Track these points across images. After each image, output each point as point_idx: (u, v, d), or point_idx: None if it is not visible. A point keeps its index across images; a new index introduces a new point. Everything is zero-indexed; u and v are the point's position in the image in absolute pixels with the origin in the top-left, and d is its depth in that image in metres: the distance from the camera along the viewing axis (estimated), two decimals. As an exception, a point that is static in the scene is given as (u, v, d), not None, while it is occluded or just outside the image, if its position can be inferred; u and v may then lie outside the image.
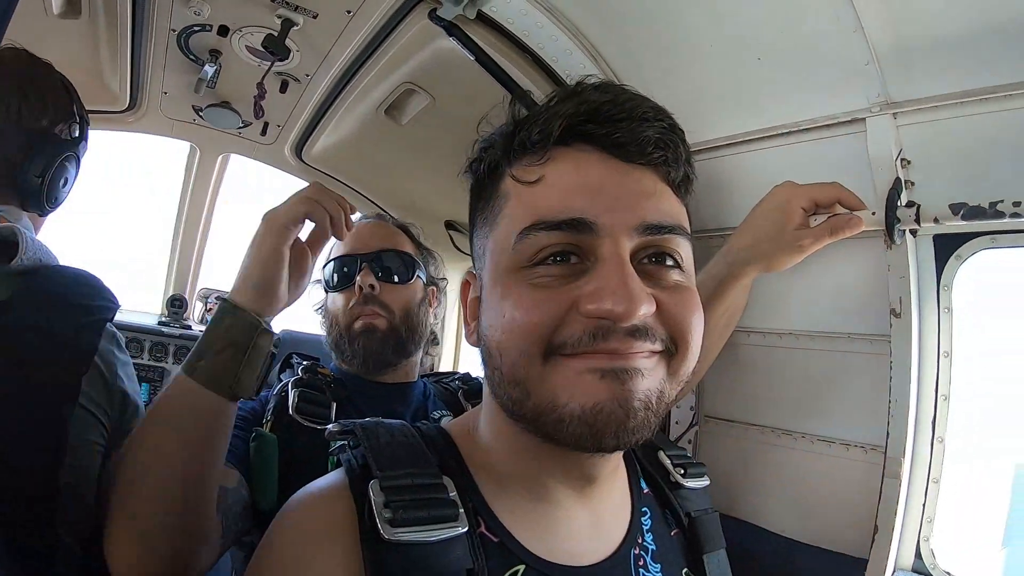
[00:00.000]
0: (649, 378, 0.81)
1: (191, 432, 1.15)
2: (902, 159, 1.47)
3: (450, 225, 3.19)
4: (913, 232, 1.48)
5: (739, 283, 1.56)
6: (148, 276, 4.58)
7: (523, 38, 1.89)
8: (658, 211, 0.85)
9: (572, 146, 0.87)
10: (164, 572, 1.11)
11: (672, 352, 0.84)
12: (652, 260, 0.85)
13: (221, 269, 4.55)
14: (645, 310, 0.79)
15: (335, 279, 1.79)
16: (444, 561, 0.80)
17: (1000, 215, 1.31)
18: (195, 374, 1.17)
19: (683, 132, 0.91)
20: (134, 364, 1.49)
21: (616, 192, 0.84)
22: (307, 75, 2.75)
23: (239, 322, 1.21)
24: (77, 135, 1.47)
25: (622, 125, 0.85)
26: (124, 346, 1.41)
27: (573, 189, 0.84)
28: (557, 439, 0.82)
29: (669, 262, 0.86)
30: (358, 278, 1.72)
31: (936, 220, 1.39)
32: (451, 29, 1.92)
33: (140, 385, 2.44)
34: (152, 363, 3.98)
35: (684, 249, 0.88)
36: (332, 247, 1.84)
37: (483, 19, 1.90)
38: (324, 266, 1.81)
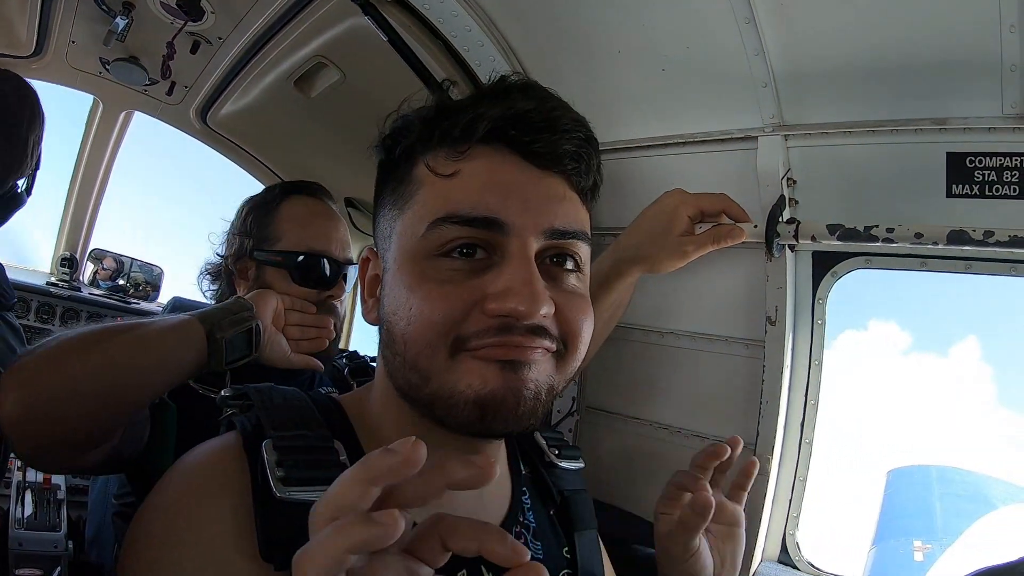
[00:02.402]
0: (538, 371, 0.85)
1: (170, 366, 1.26)
2: (788, 178, 1.56)
3: (350, 203, 3.16)
4: (791, 247, 1.58)
5: (624, 281, 1.61)
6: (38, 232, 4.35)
7: (437, 24, 1.89)
8: (565, 216, 0.88)
9: (490, 145, 0.89)
10: (43, 428, 1.12)
11: (562, 352, 0.88)
12: (554, 260, 0.89)
13: (117, 230, 4.38)
14: (546, 311, 0.82)
15: (306, 273, 1.69)
16: None
17: (873, 239, 1.41)
18: (216, 332, 1.32)
19: (597, 143, 0.95)
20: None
21: (528, 195, 0.86)
22: (220, 38, 2.66)
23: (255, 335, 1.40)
24: (22, 189, 1.52)
25: (543, 136, 0.87)
26: (24, 339, 1.40)
27: (488, 187, 0.86)
28: (448, 423, 0.85)
29: (569, 265, 0.90)
30: (334, 291, 1.70)
31: (813, 238, 1.48)
32: (367, 7, 1.90)
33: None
34: (38, 325, 3.78)
35: (584, 253, 0.92)
36: (293, 231, 1.74)
37: (400, 2, 1.89)
38: (299, 255, 1.69)
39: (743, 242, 1.55)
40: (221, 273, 1.82)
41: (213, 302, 1.85)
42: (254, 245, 1.73)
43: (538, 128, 0.88)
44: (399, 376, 0.89)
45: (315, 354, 1.70)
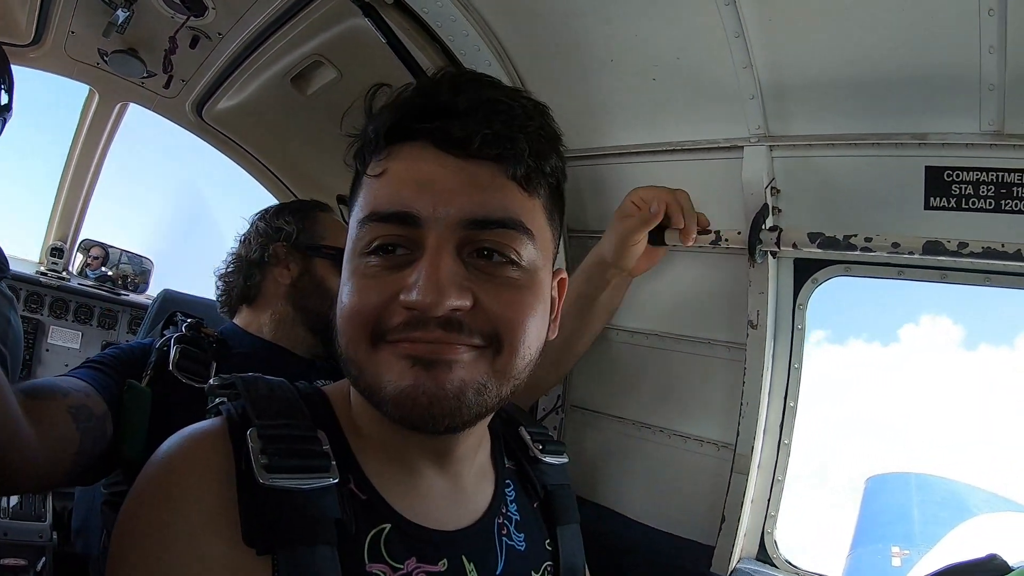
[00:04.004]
0: (463, 371, 0.85)
1: None
2: (772, 187, 1.61)
3: (341, 200, 3.19)
4: (773, 254, 1.62)
5: (597, 280, 1.69)
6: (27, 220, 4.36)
7: (435, 28, 1.93)
8: (488, 205, 0.86)
9: (413, 141, 0.89)
10: None
11: (496, 348, 0.87)
12: (484, 254, 0.87)
13: (109, 222, 4.38)
14: (452, 303, 0.82)
15: None
16: (315, 509, 0.83)
17: (852, 248, 1.46)
18: None
19: (537, 126, 0.91)
20: None
21: (445, 186, 0.85)
22: (219, 34, 2.68)
23: None
24: (6, 102, 1.41)
25: (456, 120, 0.86)
26: (17, 309, 1.39)
27: (404, 183, 0.87)
28: (385, 417, 0.87)
29: (497, 258, 0.87)
30: None
31: (795, 245, 1.53)
32: (367, 9, 1.94)
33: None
34: (27, 314, 3.79)
35: (521, 244, 0.88)
36: (340, 235, 1.91)
37: (399, 4, 1.93)
38: None
39: (727, 248, 1.59)
40: (243, 266, 1.91)
41: (222, 300, 1.94)
42: (297, 239, 1.89)
43: (452, 114, 0.86)
44: (345, 369, 0.92)
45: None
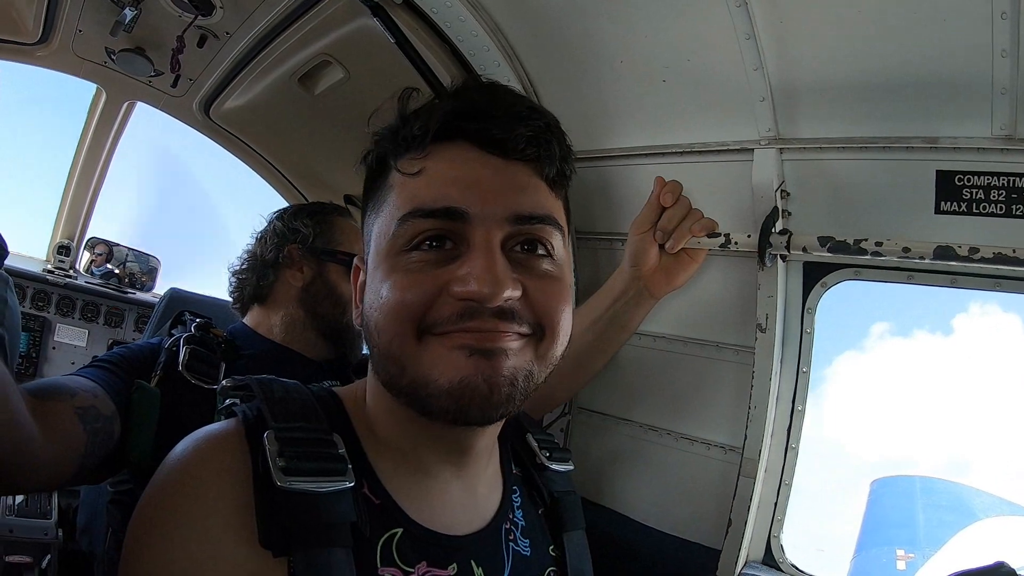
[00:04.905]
0: (515, 358, 0.88)
1: None
2: (782, 190, 1.60)
3: (349, 199, 3.20)
4: (783, 258, 1.62)
5: (620, 295, 1.68)
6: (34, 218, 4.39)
7: (444, 28, 1.92)
8: (529, 203, 0.92)
9: (452, 142, 0.93)
10: None
11: (540, 336, 0.91)
12: (524, 248, 0.93)
13: (117, 220, 4.39)
14: (509, 293, 0.86)
15: None
16: (331, 512, 0.84)
17: (863, 252, 1.45)
18: None
19: (560, 132, 0.98)
20: None
21: (490, 185, 0.90)
22: (227, 33, 2.68)
23: None
24: None
25: (497, 123, 0.91)
26: (14, 290, 1.39)
27: (450, 181, 0.90)
28: (429, 412, 0.89)
29: (540, 251, 0.93)
30: None
31: (805, 249, 1.53)
32: (376, 9, 1.93)
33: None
34: (34, 312, 3.80)
35: (555, 239, 0.95)
36: (355, 241, 1.91)
37: (408, 4, 1.92)
38: None
39: (737, 251, 1.59)
40: (257, 265, 1.91)
41: (234, 296, 1.96)
42: (312, 242, 1.88)
43: (493, 118, 0.92)
44: (380, 368, 0.93)
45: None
